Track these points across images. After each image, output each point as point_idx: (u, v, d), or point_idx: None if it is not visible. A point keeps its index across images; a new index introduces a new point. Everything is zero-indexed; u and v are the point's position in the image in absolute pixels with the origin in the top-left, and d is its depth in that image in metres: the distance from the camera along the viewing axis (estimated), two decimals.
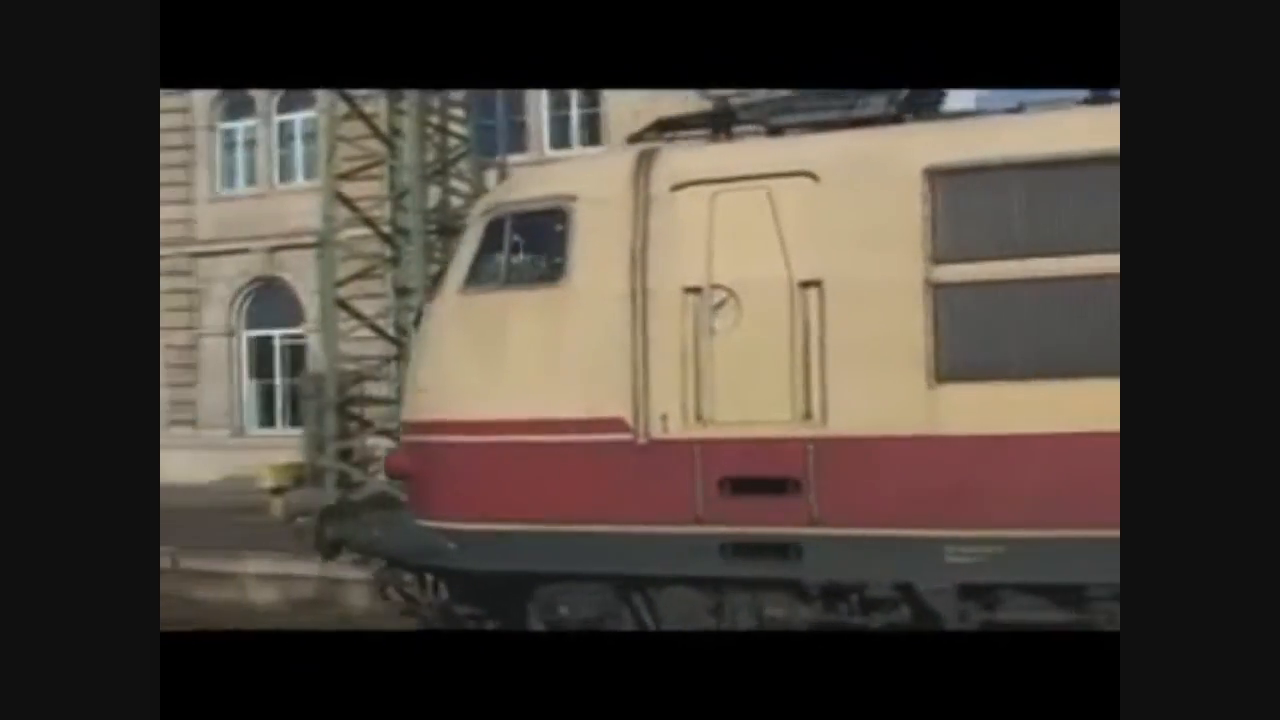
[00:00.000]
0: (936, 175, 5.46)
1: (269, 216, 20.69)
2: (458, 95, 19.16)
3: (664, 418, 5.60)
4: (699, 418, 5.62)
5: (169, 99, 21.66)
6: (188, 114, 22.17)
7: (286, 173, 21.27)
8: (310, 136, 20.28)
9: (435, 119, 18.45)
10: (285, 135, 20.89)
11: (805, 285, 5.56)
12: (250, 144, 21.37)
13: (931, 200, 5.43)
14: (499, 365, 5.79)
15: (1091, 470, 5.09)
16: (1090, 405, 5.12)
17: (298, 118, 20.83)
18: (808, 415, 5.52)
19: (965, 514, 5.31)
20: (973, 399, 5.34)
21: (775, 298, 5.55)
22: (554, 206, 5.92)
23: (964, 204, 5.45)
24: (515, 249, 5.90)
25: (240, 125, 21.41)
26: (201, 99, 21.65)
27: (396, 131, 17.55)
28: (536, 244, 5.94)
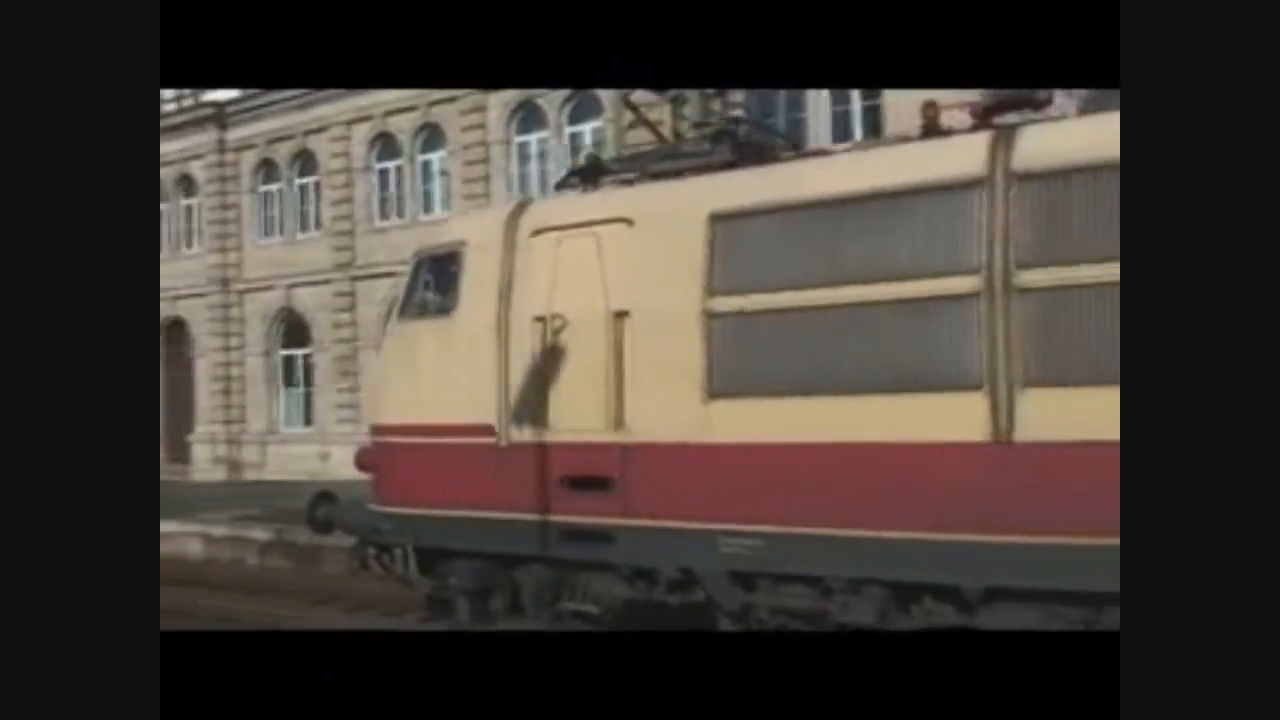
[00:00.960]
0: (717, 219, 7.14)
1: None
2: (738, 96, 21.24)
3: (520, 426, 7.73)
4: (544, 425, 7.68)
5: (465, 117, 25.69)
6: (483, 129, 25.71)
7: None
8: (598, 145, 22.85)
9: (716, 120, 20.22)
10: (575, 146, 23.52)
11: (618, 315, 7.52)
12: (542, 155, 24.43)
13: (711, 241, 7.09)
14: (415, 380, 8.25)
15: (834, 475, 6.65)
16: (836, 420, 6.63)
17: (586, 128, 23.62)
18: (619, 425, 7.42)
19: (733, 510, 7.01)
20: (736, 412, 6.96)
21: (596, 326, 7.58)
22: (451, 251, 8.26)
23: (736, 243, 7.10)
24: (428, 286, 8.29)
25: (533, 138, 24.66)
26: (496, 114, 25.15)
27: (679, 136, 19.59)
28: (443, 282, 8.25)
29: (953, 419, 6.25)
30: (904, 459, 6.40)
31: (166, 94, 31.10)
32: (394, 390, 8.75)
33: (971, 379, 6.22)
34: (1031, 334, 6.14)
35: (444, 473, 8.24)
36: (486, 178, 25.59)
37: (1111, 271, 5.52)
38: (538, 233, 7.92)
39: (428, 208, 27.17)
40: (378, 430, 8.89)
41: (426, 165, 27.48)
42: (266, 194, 29.50)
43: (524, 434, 7.93)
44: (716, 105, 20.64)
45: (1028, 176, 6.27)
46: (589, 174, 8.42)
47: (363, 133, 28.00)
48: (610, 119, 22.38)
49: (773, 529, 6.84)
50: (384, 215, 27.87)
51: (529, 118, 25.11)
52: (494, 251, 8.07)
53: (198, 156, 30.16)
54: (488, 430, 8.00)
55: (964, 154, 6.49)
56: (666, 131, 20.46)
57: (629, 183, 8.20)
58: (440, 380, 8.33)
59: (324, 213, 28.58)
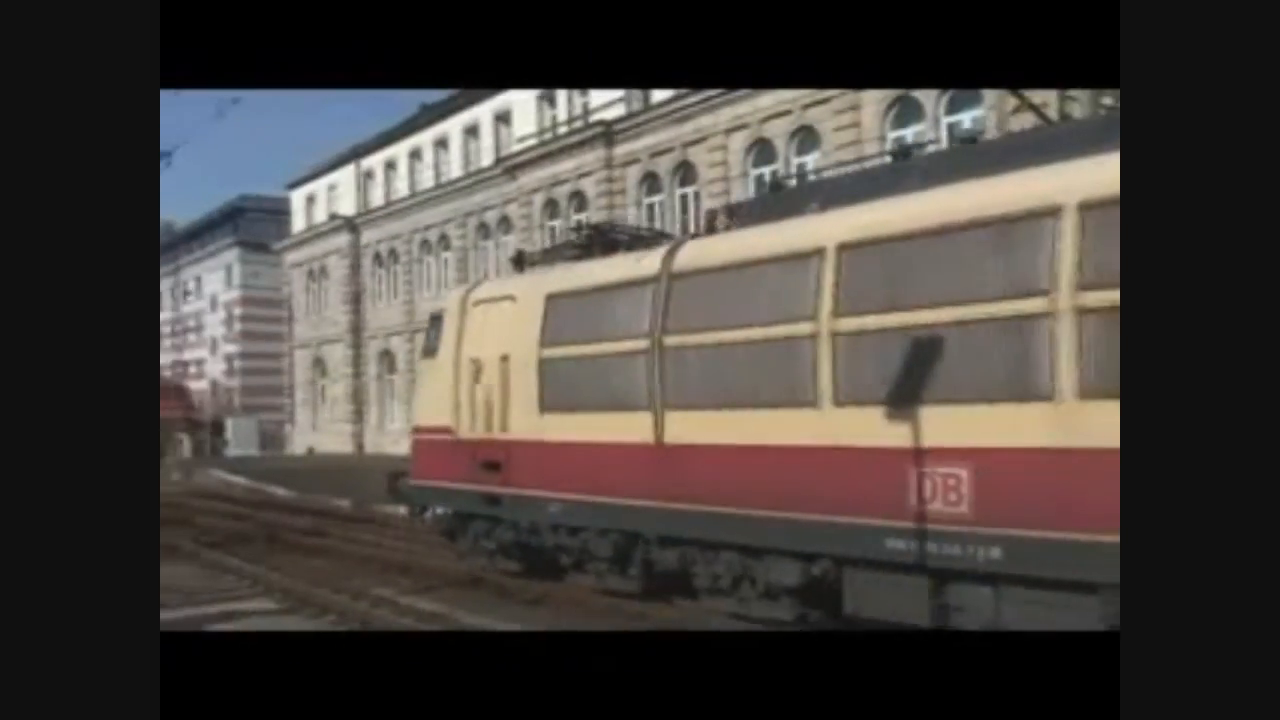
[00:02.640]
0: (549, 297, 12.76)
1: None
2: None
3: (463, 428, 13.44)
4: (473, 428, 13.50)
5: (839, 116, 30.08)
6: (858, 128, 29.87)
7: None
8: (972, 135, 26.55)
9: (1109, 100, 21.62)
10: (955, 135, 26.93)
11: (504, 358, 13.28)
12: (920, 148, 28.56)
13: (545, 311, 12.68)
14: (424, 397, 14.37)
15: (591, 462, 11.89)
16: (596, 427, 11.88)
17: (966, 116, 26.43)
18: (505, 428, 12.99)
19: (553, 484, 12.48)
20: (555, 422, 12.41)
21: (494, 365, 13.45)
22: (440, 313, 14.65)
23: (555, 314, 12.63)
24: (432, 336, 14.56)
25: (909, 132, 27.81)
26: (871, 111, 29.25)
27: (1067, 118, 21.10)
28: (436, 334, 14.70)
29: (639, 428, 11.11)
30: (620, 453, 11.43)
31: (560, 115, 39.15)
32: (418, 403, 15.52)
33: (644, 404, 11.03)
34: (670, 375, 10.84)
35: (433, 458, 14.62)
36: None
37: (710, 338, 10.36)
38: (476, 304, 13.94)
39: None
40: (413, 430, 15.36)
41: (801, 168, 31.30)
42: (650, 205, 35.79)
43: (465, 433, 13.89)
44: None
45: (675, 276, 11.02)
46: (518, 261, 14.69)
47: (739, 140, 32.98)
48: (991, 106, 25.41)
49: (567, 496, 12.27)
50: None
51: (905, 112, 28.11)
52: (456, 315, 14.18)
53: (588, 174, 37.44)
54: (450, 431, 14.10)
55: (654, 260, 11.41)
56: (1053, 114, 23.21)
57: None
58: (433, 397, 14.64)
59: (702, 220, 33.59)
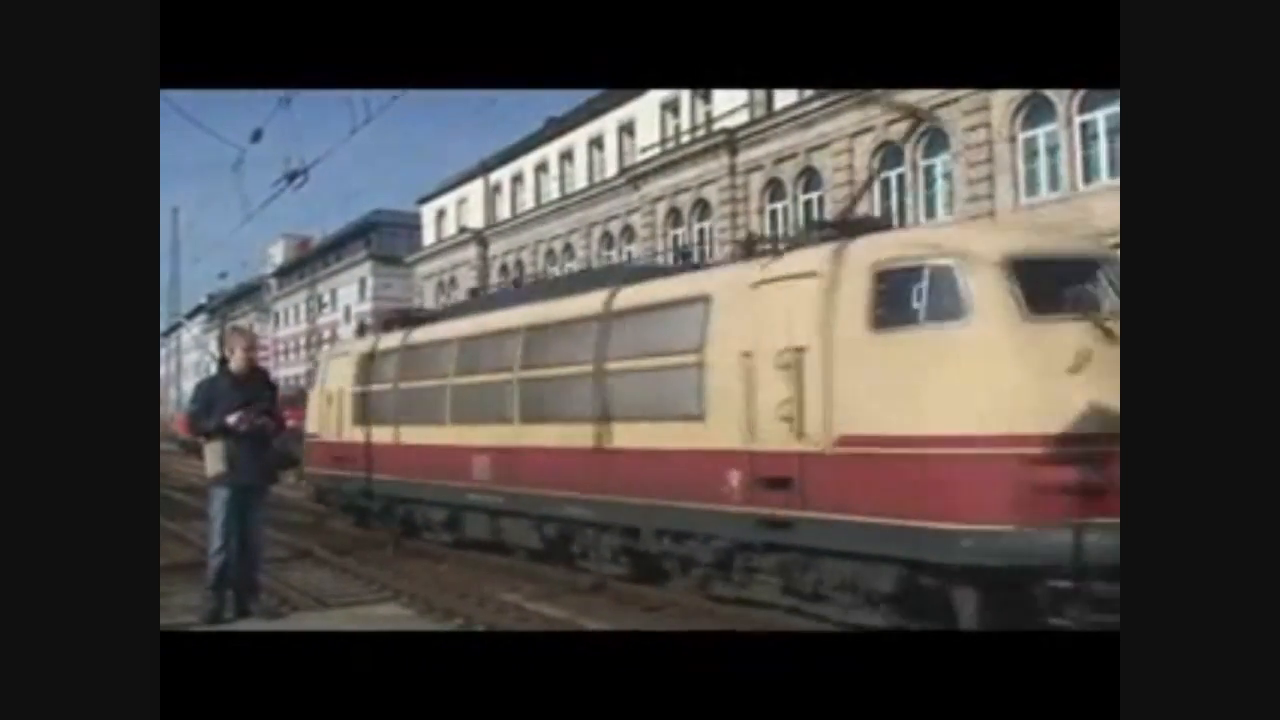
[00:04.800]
0: (360, 356, 20.03)
1: (1074, 221, 24.65)
2: None
3: (323, 434, 21.06)
4: (327, 434, 20.93)
5: (968, 117, 30.40)
6: (987, 129, 30.02)
7: (1092, 173, 27.27)
8: (1114, 132, 25.95)
9: None
10: (1087, 135, 27.51)
11: (339, 390, 20.88)
12: (1051, 150, 28.43)
13: (357, 363, 19.88)
14: (310, 414, 22.65)
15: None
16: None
17: (1099, 115, 27.05)
18: (340, 435, 20.23)
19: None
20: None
21: (337, 396, 20.80)
22: (318, 361, 23.71)
23: (363, 365, 19.47)
24: (314, 376, 23.18)
25: (1040, 132, 28.79)
26: (1000, 112, 29.68)
27: None
28: (316, 375, 23.01)
29: (390, 434, 17.81)
30: (385, 448, 18.07)
31: (683, 123, 40.17)
32: (308, 418, 22.38)
33: (392, 420, 17.92)
34: (404, 404, 17.58)
35: (314, 453, 21.73)
36: (989, 178, 29.54)
37: (422, 384, 17.12)
38: (333, 357, 22.60)
39: (930, 213, 31.87)
40: (306, 436, 22.48)
41: (929, 170, 32.31)
42: (773, 212, 36.72)
43: (324, 437, 20.85)
44: None
45: (407, 347, 18.18)
46: (360, 330, 24.22)
47: (865, 144, 33.73)
48: None
49: (360, 474, 19.20)
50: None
51: (1036, 111, 28.72)
52: (324, 363, 23.01)
53: (711, 181, 38.93)
54: (318, 436, 21.56)
55: (399, 336, 18.44)
56: None
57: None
58: (314, 414, 21.78)
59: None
